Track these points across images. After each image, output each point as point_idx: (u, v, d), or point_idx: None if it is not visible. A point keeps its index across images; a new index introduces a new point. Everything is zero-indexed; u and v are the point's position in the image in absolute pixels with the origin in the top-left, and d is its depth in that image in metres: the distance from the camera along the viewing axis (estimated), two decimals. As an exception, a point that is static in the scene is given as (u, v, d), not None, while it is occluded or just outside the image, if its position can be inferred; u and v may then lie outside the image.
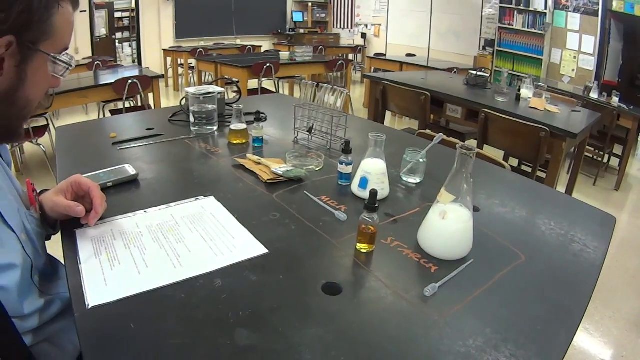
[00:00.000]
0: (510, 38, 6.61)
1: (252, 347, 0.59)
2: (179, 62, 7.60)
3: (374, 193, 0.79)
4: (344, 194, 1.08)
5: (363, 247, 0.82)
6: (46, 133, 3.61)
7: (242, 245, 0.82)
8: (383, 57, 7.21)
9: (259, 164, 1.21)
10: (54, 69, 0.66)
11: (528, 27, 6.30)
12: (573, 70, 5.90)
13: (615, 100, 4.23)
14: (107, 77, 4.20)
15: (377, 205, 0.79)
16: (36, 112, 0.68)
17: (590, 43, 5.63)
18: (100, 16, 8.29)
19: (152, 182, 1.12)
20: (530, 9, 6.18)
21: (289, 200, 1.03)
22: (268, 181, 1.11)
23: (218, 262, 0.76)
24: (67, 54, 0.67)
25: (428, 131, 1.78)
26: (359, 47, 9.36)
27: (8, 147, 0.80)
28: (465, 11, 7.22)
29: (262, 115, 1.70)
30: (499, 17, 6.66)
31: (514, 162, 3.38)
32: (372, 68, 6.76)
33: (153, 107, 4.36)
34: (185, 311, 0.65)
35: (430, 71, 5.27)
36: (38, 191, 0.88)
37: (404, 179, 1.18)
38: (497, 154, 1.92)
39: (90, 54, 7.16)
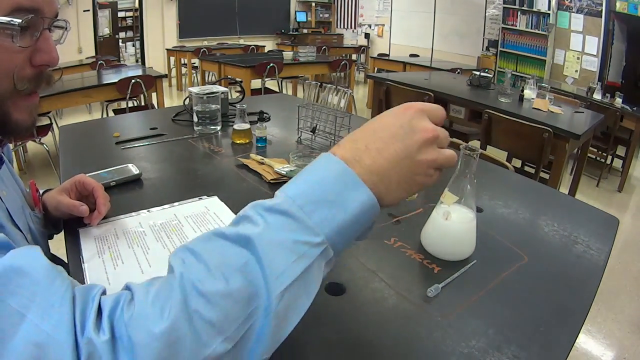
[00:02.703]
0: (513, 39, 6.60)
1: (255, 346, 0.59)
2: (183, 62, 7.61)
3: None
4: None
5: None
6: (49, 132, 3.62)
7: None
8: (386, 58, 7.20)
9: (263, 163, 1.21)
10: (1, 39, 0.48)
11: (531, 28, 6.29)
12: (576, 71, 5.88)
13: (618, 101, 4.21)
14: (111, 77, 4.21)
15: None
16: (27, 91, 0.54)
17: (593, 44, 5.61)
18: (104, 16, 8.32)
19: (155, 181, 1.12)
20: (534, 9, 6.17)
21: (291, 200, 1.02)
22: (271, 181, 1.11)
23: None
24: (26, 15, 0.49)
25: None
26: (362, 48, 9.36)
27: (11, 145, 0.76)
28: (469, 12, 7.21)
29: (265, 115, 1.71)
30: (503, 17, 6.65)
31: (517, 162, 3.37)
32: (376, 68, 6.76)
33: (156, 107, 4.37)
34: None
35: (434, 72, 5.27)
36: (41, 192, 0.88)
37: (407, 179, 1.17)
38: (500, 155, 1.92)
39: (93, 54, 7.17)
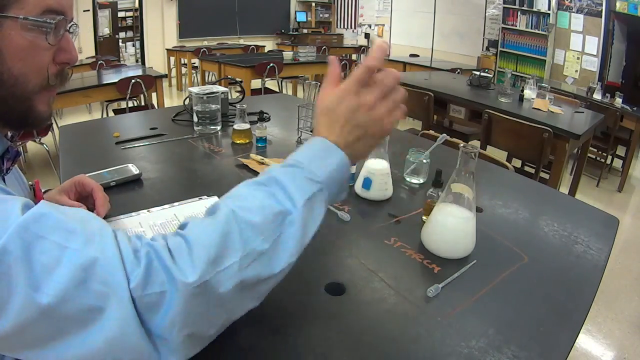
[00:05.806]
0: (513, 39, 6.59)
1: (255, 346, 0.59)
2: (183, 62, 7.61)
3: (439, 172, 0.93)
4: (347, 194, 1.08)
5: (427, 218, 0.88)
6: (49, 132, 3.62)
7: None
8: (386, 58, 7.17)
9: (263, 163, 1.21)
10: (34, 36, 0.52)
11: (531, 28, 6.28)
12: (576, 71, 5.88)
13: (618, 101, 4.21)
14: (111, 77, 4.21)
15: (442, 181, 0.91)
16: (56, 86, 0.58)
17: (593, 44, 5.60)
18: (104, 16, 8.32)
19: (155, 181, 1.12)
20: (534, 9, 6.16)
21: (292, 200, 1.02)
22: (271, 181, 1.11)
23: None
24: (54, 16, 0.53)
25: (431, 131, 1.78)
26: (362, 48, 9.35)
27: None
28: (469, 12, 7.20)
29: (265, 115, 1.71)
30: (503, 17, 6.64)
31: (517, 162, 3.37)
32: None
33: (156, 107, 4.37)
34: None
35: (434, 72, 5.27)
36: (43, 191, 0.88)
37: (408, 179, 1.18)
38: (500, 155, 1.92)
39: (93, 54, 7.17)
